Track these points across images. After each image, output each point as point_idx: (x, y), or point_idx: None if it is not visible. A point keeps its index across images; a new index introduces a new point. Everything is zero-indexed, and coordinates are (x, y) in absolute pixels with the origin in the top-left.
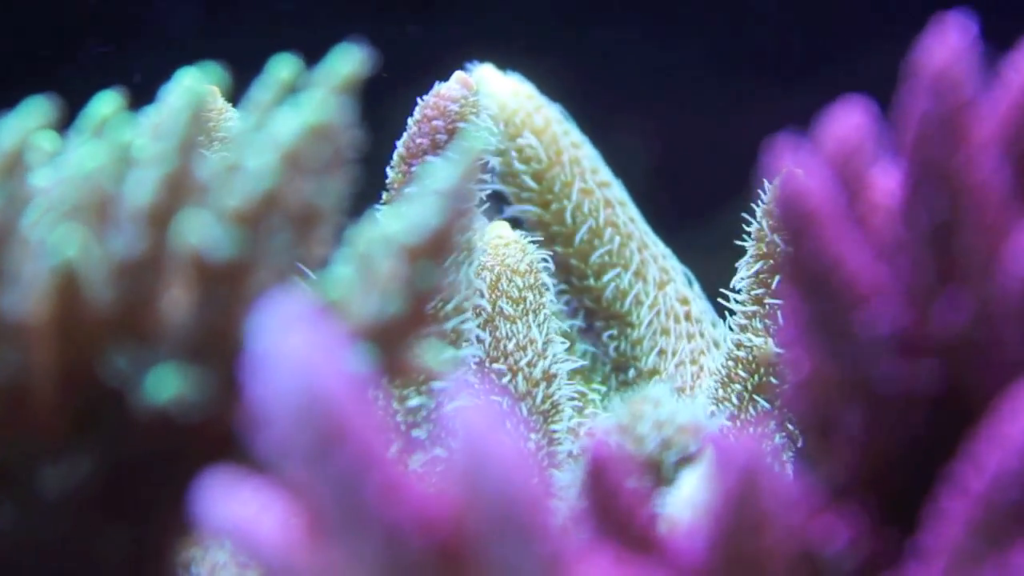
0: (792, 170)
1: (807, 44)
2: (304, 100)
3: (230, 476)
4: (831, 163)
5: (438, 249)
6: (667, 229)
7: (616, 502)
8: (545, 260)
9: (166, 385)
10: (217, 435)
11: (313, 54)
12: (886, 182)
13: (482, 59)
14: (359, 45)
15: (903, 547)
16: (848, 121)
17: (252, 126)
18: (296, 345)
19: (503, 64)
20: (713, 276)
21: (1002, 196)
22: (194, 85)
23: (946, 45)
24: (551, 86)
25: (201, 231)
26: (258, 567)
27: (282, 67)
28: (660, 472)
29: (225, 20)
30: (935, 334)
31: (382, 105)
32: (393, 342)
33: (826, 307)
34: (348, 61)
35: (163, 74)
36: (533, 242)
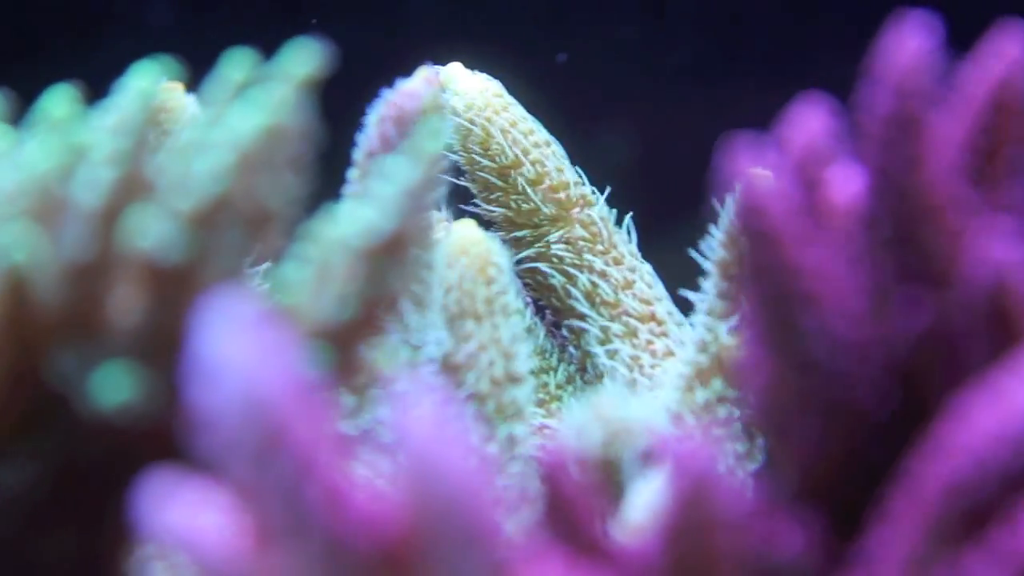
0: (752, 173)
1: (792, 44)
2: (259, 99)
3: (173, 479)
4: (792, 165)
5: (394, 250)
6: (647, 228)
7: (569, 507)
8: (510, 259)
9: (115, 387)
10: (167, 438)
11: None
12: (847, 183)
13: (460, 56)
14: (316, 42)
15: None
16: (810, 122)
17: (206, 125)
18: (239, 348)
19: (484, 63)
20: (695, 275)
21: (964, 201)
22: (148, 83)
23: (908, 45)
24: (532, 84)
25: (152, 233)
26: (200, 572)
27: (236, 64)
28: (616, 474)
29: (200, 11)
30: (893, 340)
31: (356, 102)
32: (348, 345)
33: (784, 312)
34: (305, 60)
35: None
36: (498, 240)
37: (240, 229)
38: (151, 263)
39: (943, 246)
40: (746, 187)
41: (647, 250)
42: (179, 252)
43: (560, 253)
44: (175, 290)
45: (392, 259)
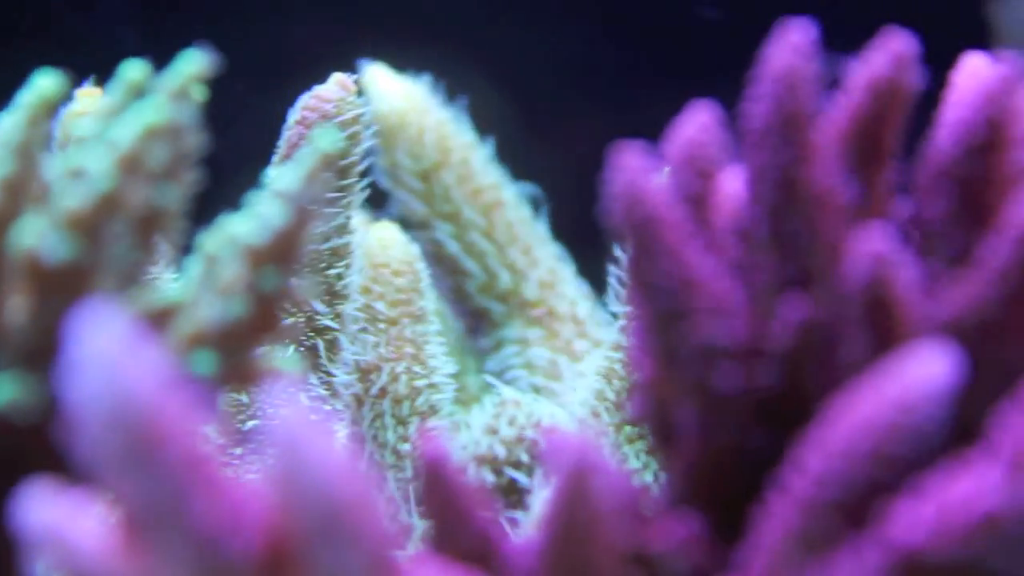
0: (634, 173)
1: (744, 51)
2: (146, 103)
3: (52, 483)
4: (675, 167)
5: (284, 251)
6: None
7: (451, 505)
8: (429, 261)
9: (1, 391)
10: (53, 442)
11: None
12: (732, 185)
13: (398, 59)
14: (204, 49)
15: (735, 552)
16: (693, 125)
17: (97, 129)
18: (105, 348)
19: (421, 66)
20: None
21: (841, 199)
22: (44, 85)
23: (787, 48)
24: (483, 86)
25: (37, 234)
26: (74, 574)
27: (130, 71)
28: (521, 472)
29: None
30: (773, 337)
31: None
32: (235, 346)
33: (663, 309)
34: (190, 64)
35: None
36: (419, 242)
37: (128, 230)
38: (37, 265)
39: (821, 246)
40: (627, 183)
41: (591, 255)
42: (63, 253)
43: (481, 252)
44: (61, 292)
45: (282, 260)
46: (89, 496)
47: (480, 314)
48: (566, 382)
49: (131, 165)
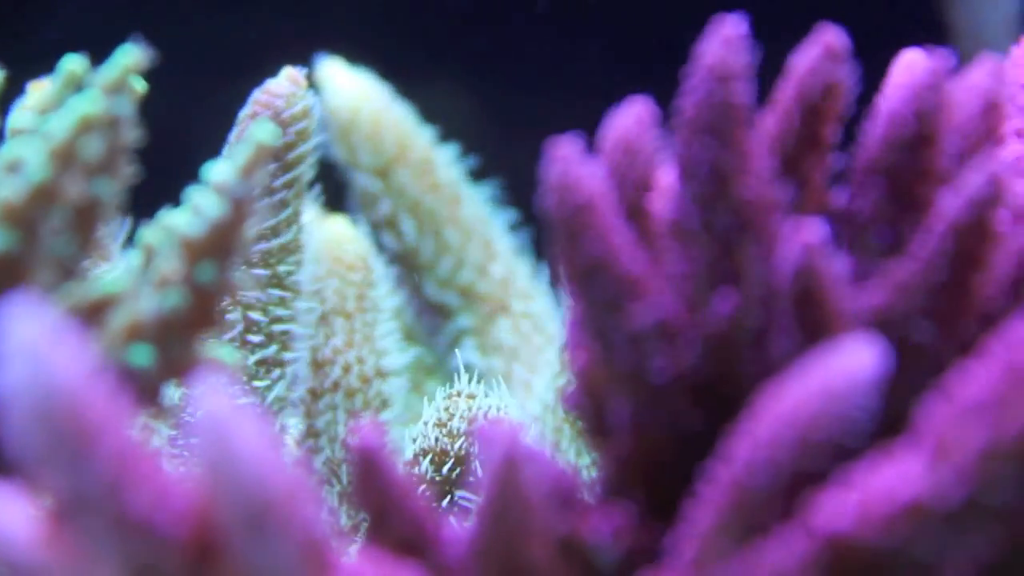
0: (566, 164)
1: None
2: (81, 95)
3: None
4: (608, 158)
5: (221, 244)
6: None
7: (385, 496)
8: (385, 255)
9: None
10: None
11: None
12: (669, 178)
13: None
14: (139, 43)
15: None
16: (627, 118)
17: (35, 122)
18: (31, 340)
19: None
20: None
21: (771, 193)
22: None
23: (719, 42)
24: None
25: None
26: (5, 563)
27: (68, 64)
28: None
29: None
30: (703, 327)
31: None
32: (173, 339)
33: (595, 298)
34: (127, 57)
35: None
36: (381, 239)
37: (62, 220)
38: None
39: (752, 234)
40: (559, 173)
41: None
42: None
43: (442, 245)
44: None
45: (217, 251)
46: (21, 487)
47: (440, 310)
48: (524, 375)
49: (65, 157)
